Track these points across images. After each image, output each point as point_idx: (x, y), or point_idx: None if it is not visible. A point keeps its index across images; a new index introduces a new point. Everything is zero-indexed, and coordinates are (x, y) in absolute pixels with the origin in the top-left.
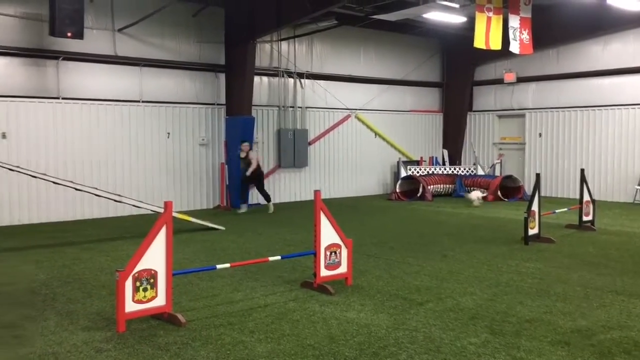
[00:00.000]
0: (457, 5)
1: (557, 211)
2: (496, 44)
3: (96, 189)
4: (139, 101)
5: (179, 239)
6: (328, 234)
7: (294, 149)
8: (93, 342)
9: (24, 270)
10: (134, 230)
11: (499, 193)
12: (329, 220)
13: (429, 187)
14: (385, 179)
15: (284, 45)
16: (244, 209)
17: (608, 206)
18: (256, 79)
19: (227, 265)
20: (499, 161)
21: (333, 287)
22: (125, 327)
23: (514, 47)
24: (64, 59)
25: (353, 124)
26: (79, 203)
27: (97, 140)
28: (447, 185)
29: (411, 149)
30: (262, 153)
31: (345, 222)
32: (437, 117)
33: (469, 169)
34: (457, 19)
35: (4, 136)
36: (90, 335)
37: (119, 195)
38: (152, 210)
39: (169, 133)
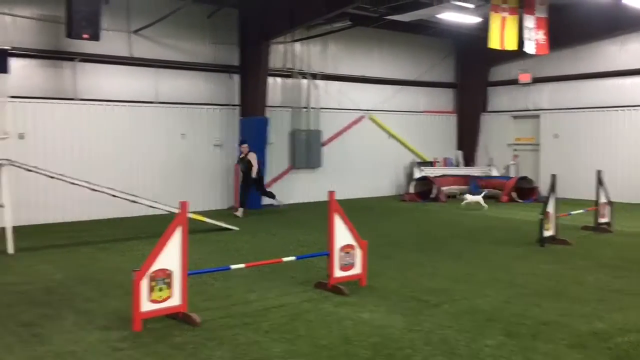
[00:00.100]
0: (471, 6)
1: (573, 213)
2: (511, 44)
3: (112, 189)
4: (154, 102)
5: (193, 239)
6: (342, 234)
7: (307, 150)
8: (109, 341)
9: (41, 269)
10: (149, 230)
11: (514, 194)
12: (344, 221)
13: (442, 188)
14: (399, 180)
15: (298, 46)
16: (240, 213)
17: (625, 208)
18: (270, 80)
19: (242, 265)
20: (513, 162)
21: (347, 288)
22: (141, 326)
23: (530, 48)
24: (81, 60)
25: (366, 125)
26: (94, 203)
27: (112, 140)
28: (462, 187)
29: (425, 150)
30: (275, 154)
31: (359, 223)
32: (450, 118)
33: (484, 170)
34: (472, 20)
35: (21, 137)
36: (107, 334)
37: (134, 195)
38: (166, 211)
39: (183, 134)
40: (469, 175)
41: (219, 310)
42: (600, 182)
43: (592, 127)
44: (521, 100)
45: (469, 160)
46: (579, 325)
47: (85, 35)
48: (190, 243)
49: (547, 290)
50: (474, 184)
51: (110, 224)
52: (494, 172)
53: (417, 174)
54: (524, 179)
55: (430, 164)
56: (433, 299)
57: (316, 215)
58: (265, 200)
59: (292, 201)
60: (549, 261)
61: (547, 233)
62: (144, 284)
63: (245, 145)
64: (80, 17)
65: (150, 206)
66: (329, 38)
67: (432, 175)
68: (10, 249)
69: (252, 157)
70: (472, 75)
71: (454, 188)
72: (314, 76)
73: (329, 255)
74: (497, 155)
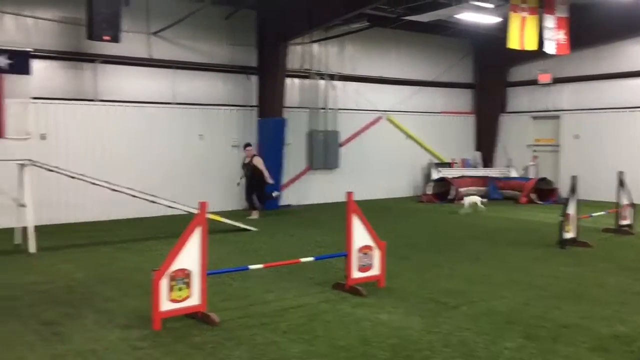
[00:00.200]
0: (491, 6)
1: (594, 214)
2: (531, 45)
3: (131, 189)
4: (172, 103)
5: (211, 240)
6: (360, 235)
7: (325, 151)
8: (130, 340)
9: (62, 268)
10: (168, 230)
11: (533, 195)
12: (362, 222)
13: (460, 189)
14: (416, 181)
15: (316, 46)
16: (255, 215)
17: None
18: (288, 80)
19: (260, 266)
20: (533, 163)
21: (365, 289)
22: (160, 325)
23: (550, 48)
24: (101, 62)
25: (384, 126)
26: (114, 203)
27: (131, 141)
28: (480, 188)
29: (443, 150)
30: (293, 155)
31: (376, 224)
32: (469, 118)
33: (502, 171)
34: (491, 20)
35: (43, 137)
36: (127, 333)
37: (153, 195)
38: (185, 211)
39: (201, 135)
40: (487, 177)
41: (237, 310)
42: (621, 183)
43: (614, 127)
44: (541, 101)
45: (487, 161)
46: (600, 328)
47: (105, 37)
48: (208, 243)
49: (567, 293)
50: (493, 185)
51: (130, 223)
52: (513, 173)
53: (435, 175)
54: (543, 180)
55: (448, 165)
56: (451, 300)
57: (334, 216)
58: (283, 201)
59: (309, 202)
60: (570, 263)
61: (568, 235)
62: (164, 284)
63: (250, 148)
64: (101, 19)
65: (169, 206)
66: (347, 39)
67: (450, 177)
68: (32, 248)
69: (260, 162)
70: (490, 76)
71: (472, 189)
72: (332, 77)
73: (347, 256)
74: (516, 156)
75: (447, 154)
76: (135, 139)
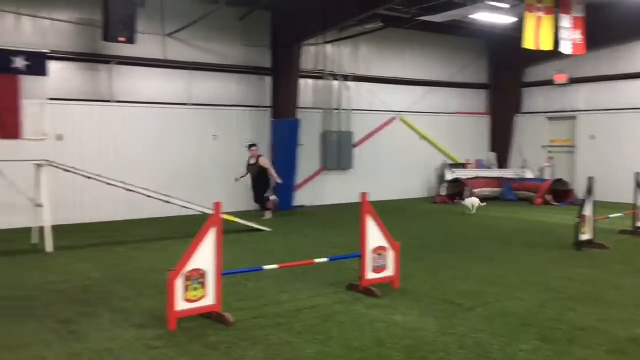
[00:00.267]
0: (506, 5)
1: (610, 216)
2: (547, 44)
3: (146, 189)
4: (186, 104)
5: (225, 240)
6: (374, 236)
7: (338, 151)
8: (145, 339)
9: (78, 268)
10: (182, 230)
11: (548, 197)
12: (376, 223)
13: (475, 190)
14: (430, 182)
15: (329, 47)
16: (268, 214)
17: None
18: (301, 81)
19: (274, 266)
20: (548, 164)
21: (379, 289)
22: (175, 325)
23: (566, 48)
24: (117, 63)
25: (398, 126)
26: (129, 203)
27: (146, 141)
28: (494, 189)
29: (457, 151)
30: (306, 155)
31: (390, 225)
32: (483, 119)
33: (517, 172)
34: (505, 19)
35: (59, 138)
36: (142, 332)
37: (167, 195)
38: (199, 211)
39: (215, 135)
40: (501, 177)
41: (251, 310)
42: (638, 184)
43: (630, 128)
44: (556, 101)
45: (502, 162)
46: (617, 330)
47: (121, 38)
48: (222, 243)
49: (583, 295)
50: (507, 186)
51: (144, 223)
52: (528, 174)
53: (449, 175)
54: (559, 181)
55: (462, 165)
56: (466, 301)
57: (347, 217)
58: (298, 202)
59: (322, 202)
60: (585, 265)
61: (584, 236)
62: (179, 283)
63: (255, 148)
64: (117, 21)
65: (183, 206)
66: (360, 39)
67: (463, 177)
68: (49, 247)
69: (266, 163)
70: (505, 76)
71: (486, 190)
72: (345, 77)
73: (360, 256)
74: (531, 157)
75: (461, 155)
76: (150, 140)
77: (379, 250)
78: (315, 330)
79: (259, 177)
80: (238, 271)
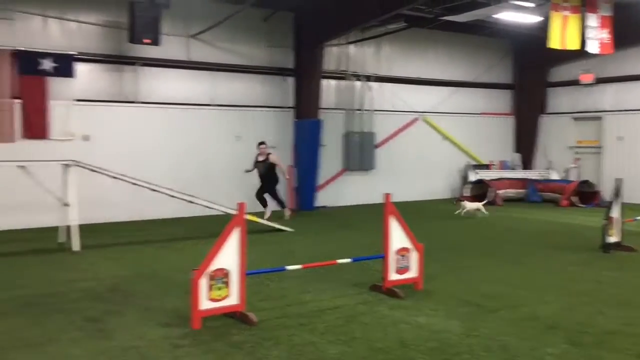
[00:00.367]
0: (532, 5)
1: (638, 218)
2: (573, 44)
3: (170, 189)
4: (210, 105)
5: (248, 240)
6: (398, 237)
7: (361, 152)
8: (170, 338)
9: (104, 267)
10: (206, 230)
11: (575, 198)
12: (400, 224)
13: (499, 191)
14: (453, 183)
15: (352, 48)
16: (287, 213)
17: None
18: (324, 82)
19: (298, 266)
20: (574, 165)
21: (402, 291)
22: (200, 324)
23: (593, 47)
24: (142, 64)
25: (420, 127)
26: (153, 203)
27: (171, 142)
28: (519, 190)
29: (480, 152)
30: (329, 156)
31: (413, 226)
32: (508, 119)
33: (542, 174)
34: (531, 19)
35: (86, 138)
36: (168, 331)
37: (191, 195)
38: (222, 211)
39: (238, 136)
40: (526, 179)
41: (274, 310)
42: None
43: None
44: (583, 102)
45: (526, 163)
46: None
47: (146, 40)
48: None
49: (611, 298)
50: (532, 188)
51: (168, 223)
52: (554, 176)
53: (472, 177)
54: (585, 182)
55: (486, 166)
56: (491, 304)
57: (369, 218)
58: (319, 202)
59: (345, 203)
60: (613, 268)
61: (611, 239)
62: (203, 283)
63: (264, 146)
64: (142, 23)
65: (207, 207)
66: (383, 39)
67: (488, 179)
68: (76, 246)
69: (277, 159)
70: (530, 76)
71: (510, 191)
72: (368, 78)
73: (384, 257)
74: (556, 158)
75: (485, 156)
76: (174, 140)
77: (403, 251)
78: (338, 331)
79: (267, 174)
80: (262, 271)
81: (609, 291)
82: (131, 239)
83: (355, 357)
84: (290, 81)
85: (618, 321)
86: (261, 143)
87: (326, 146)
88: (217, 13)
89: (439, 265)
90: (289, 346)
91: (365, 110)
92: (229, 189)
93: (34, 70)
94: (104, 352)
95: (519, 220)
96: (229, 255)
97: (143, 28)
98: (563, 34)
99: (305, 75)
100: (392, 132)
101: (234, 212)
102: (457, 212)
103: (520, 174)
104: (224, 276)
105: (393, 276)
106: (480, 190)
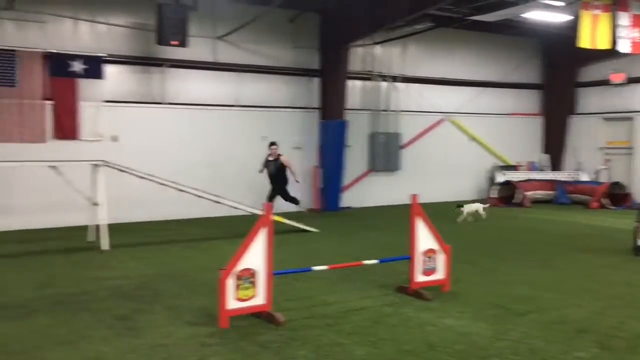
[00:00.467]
0: (561, 4)
1: None
2: (604, 43)
3: (197, 190)
4: (236, 105)
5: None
6: (424, 238)
7: (386, 153)
8: (198, 337)
9: (132, 265)
10: (232, 231)
11: (606, 200)
12: (426, 225)
13: (527, 193)
14: (480, 184)
15: (378, 48)
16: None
17: None
18: (349, 82)
19: (324, 267)
20: (605, 167)
21: (429, 292)
22: (227, 323)
23: (624, 46)
24: (169, 66)
25: (447, 128)
26: (180, 203)
27: (197, 143)
28: (547, 192)
29: (508, 153)
30: (354, 157)
31: (439, 227)
32: (536, 120)
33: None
34: (560, 18)
35: (114, 139)
36: (195, 330)
37: (218, 196)
38: (248, 212)
39: (264, 136)
40: (555, 180)
41: (301, 311)
42: None
43: None
44: (613, 102)
45: (555, 165)
46: None
47: (173, 42)
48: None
49: None
50: (561, 189)
51: (194, 223)
52: (583, 177)
53: (500, 178)
54: (616, 184)
55: (514, 168)
56: (520, 307)
57: (395, 219)
58: (344, 203)
59: (370, 204)
60: None
61: None
62: (230, 283)
63: (275, 147)
64: (170, 25)
65: (233, 207)
66: (409, 39)
67: (515, 180)
68: (105, 245)
69: (288, 161)
70: (559, 76)
71: (538, 193)
72: (394, 78)
73: (410, 259)
74: (586, 159)
75: (513, 157)
76: (200, 141)
77: (429, 252)
78: (365, 332)
79: (277, 174)
80: (288, 272)
81: None
82: (158, 238)
83: (383, 358)
84: (316, 82)
85: None
86: (272, 143)
87: (351, 147)
88: (243, 14)
89: (466, 267)
90: (315, 346)
91: (391, 110)
92: (254, 189)
93: (64, 72)
94: (133, 350)
95: (547, 222)
96: (255, 256)
97: (170, 30)
98: (593, 33)
99: (331, 76)
100: (418, 132)
101: (260, 212)
102: (459, 219)
103: (549, 175)
104: (250, 276)
105: (420, 278)
106: (507, 192)
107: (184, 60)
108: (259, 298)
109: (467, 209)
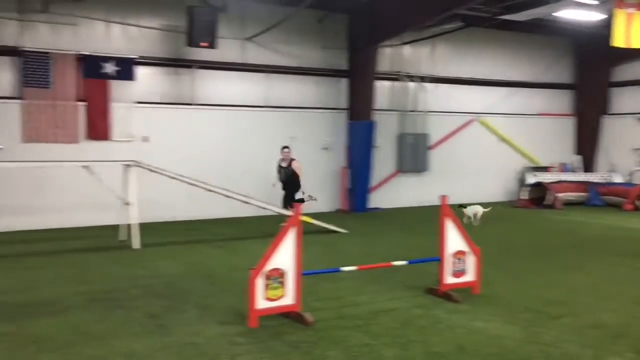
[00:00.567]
0: (595, 2)
1: None
2: (638, 42)
3: (226, 190)
4: (265, 106)
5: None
6: (454, 240)
7: (414, 154)
8: (228, 336)
9: (163, 264)
10: (260, 231)
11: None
12: (456, 226)
13: (558, 195)
14: (510, 186)
15: (406, 48)
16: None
17: None
18: (377, 83)
19: (353, 268)
20: (639, 168)
21: (459, 295)
22: (257, 322)
23: None
24: (199, 67)
25: (476, 128)
26: (209, 203)
27: (226, 143)
28: (580, 194)
29: (539, 154)
30: (382, 157)
31: (468, 229)
32: (568, 120)
33: (604, 176)
34: (593, 17)
35: (145, 139)
36: (225, 329)
37: (246, 196)
38: (276, 212)
39: (293, 137)
40: (587, 182)
41: (329, 311)
42: None
43: None
44: None
45: (588, 166)
46: None
47: (203, 44)
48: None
49: None
50: (594, 191)
51: (222, 223)
52: (617, 179)
53: (531, 179)
54: None
55: (545, 169)
56: (552, 310)
57: (423, 220)
58: (372, 204)
59: (398, 205)
60: None
61: None
62: (259, 282)
63: (287, 151)
64: (200, 27)
65: (262, 207)
66: (438, 39)
67: (547, 181)
68: (136, 244)
69: (298, 169)
70: (592, 76)
71: (570, 195)
72: (422, 79)
73: (440, 260)
74: (619, 160)
75: (544, 158)
76: (230, 141)
77: (459, 254)
78: (394, 334)
79: (289, 181)
80: (317, 272)
81: None
82: (187, 238)
83: None
84: (344, 82)
85: None
86: (284, 147)
87: (379, 147)
88: (271, 15)
89: (497, 269)
90: (345, 347)
91: (419, 111)
92: (281, 190)
93: (97, 74)
94: (164, 348)
95: (580, 224)
96: (284, 256)
97: (200, 32)
98: (627, 31)
99: (359, 77)
100: (447, 133)
101: (289, 213)
102: (465, 220)
103: (581, 176)
104: (279, 276)
105: (449, 279)
106: (538, 194)
107: (214, 61)
108: (287, 298)
109: (471, 210)
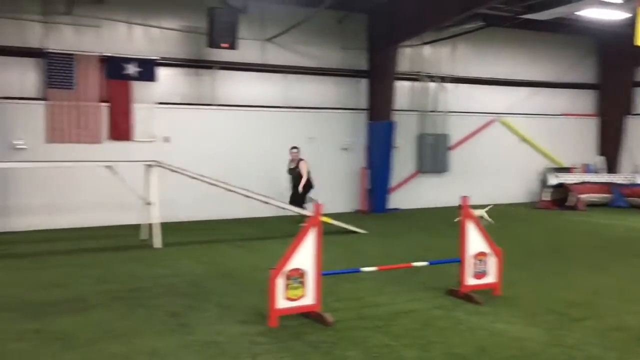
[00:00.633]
0: (620, 1)
1: None
2: None
3: (246, 190)
4: (284, 107)
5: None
6: (475, 241)
7: (434, 154)
8: (249, 335)
9: (184, 263)
10: (279, 230)
11: None
12: (477, 227)
13: (581, 196)
14: (532, 186)
15: (426, 48)
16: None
17: None
18: (397, 83)
19: (373, 268)
20: None
21: (480, 296)
22: (277, 322)
23: None
24: (219, 68)
25: (497, 129)
26: (229, 203)
27: (246, 143)
28: (603, 195)
29: (562, 155)
30: (402, 158)
31: (489, 230)
32: (591, 121)
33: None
34: (616, 15)
35: (166, 140)
36: (246, 328)
37: (266, 196)
38: (295, 212)
39: (312, 137)
40: (611, 183)
41: (349, 312)
42: None
43: None
44: None
45: (611, 167)
46: None
47: (224, 45)
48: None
49: None
50: (618, 193)
51: (242, 223)
52: None
53: (553, 180)
54: None
55: (567, 170)
56: (575, 312)
57: (443, 220)
58: (392, 204)
59: (418, 206)
60: None
61: None
62: (280, 282)
63: (296, 151)
64: (220, 28)
65: (282, 207)
66: (458, 39)
67: (569, 182)
68: (157, 243)
69: (303, 168)
70: (616, 75)
71: (594, 196)
72: (442, 79)
73: (460, 262)
74: None
75: (567, 159)
76: (249, 142)
77: (480, 255)
78: (414, 335)
79: (297, 183)
80: (337, 272)
81: None
82: (208, 237)
83: None
84: (364, 83)
85: None
86: (293, 147)
87: (399, 148)
88: (291, 16)
89: (518, 270)
90: (365, 348)
91: (439, 111)
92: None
93: (119, 75)
94: (186, 347)
95: (603, 226)
96: (305, 256)
97: (221, 33)
98: None
99: (379, 77)
100: (467, 133)
101: (308, 213)
102: (485, 222)
103: (605, 178)
104: (299, 276)
105: (470, 281)
106: (560, 195)
107: (234, 62)
108: (308, 298)
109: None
